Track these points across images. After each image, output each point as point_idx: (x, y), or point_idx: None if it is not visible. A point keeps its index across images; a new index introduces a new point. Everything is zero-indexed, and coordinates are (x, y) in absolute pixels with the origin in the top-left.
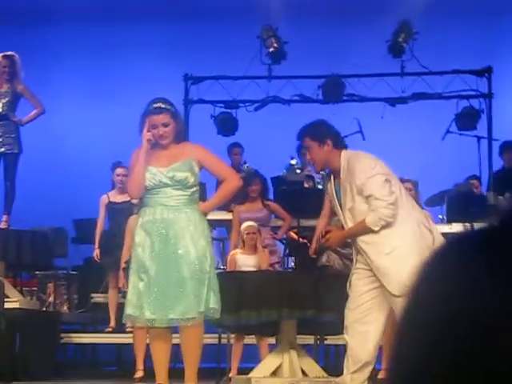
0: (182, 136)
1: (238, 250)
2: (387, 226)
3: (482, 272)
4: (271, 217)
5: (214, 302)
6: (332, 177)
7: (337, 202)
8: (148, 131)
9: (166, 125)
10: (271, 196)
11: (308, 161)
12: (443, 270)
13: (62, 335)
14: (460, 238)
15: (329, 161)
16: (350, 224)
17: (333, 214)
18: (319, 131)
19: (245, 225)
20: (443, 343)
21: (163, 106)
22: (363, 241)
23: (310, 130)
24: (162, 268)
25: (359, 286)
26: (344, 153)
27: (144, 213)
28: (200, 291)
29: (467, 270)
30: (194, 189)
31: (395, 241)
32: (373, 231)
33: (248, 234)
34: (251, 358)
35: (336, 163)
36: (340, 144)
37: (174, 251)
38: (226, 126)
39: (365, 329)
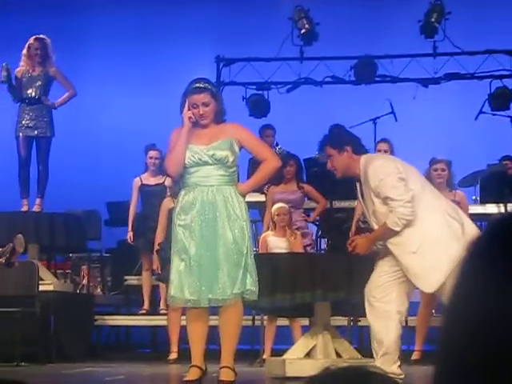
0: (222, 116)
1: (269, 232)
2: (409, 224)
3: None
4: (304, 199)
5: (251, 284)
6: (358, 183)
7: (364, 207)
8: (188, 110)
9: (206, 104)
10: (305, 178)
11: (330, 169)
12: (480, 263)
13: (96, 317)
14: (493, 229)
15: (349, 167)
16: (375, 227)
17: None
18: (339, 139)
19: (275, 206)
20: (480, 336)
21: (203, 85)
22: (390, 242)
23: (330, 139)
24: (201, 249)
25: (382, 266)
26: (363, 158)
27: (184, 194)
28: (236, 273)
29: (502, 264)
30: (234, 169)
31: (420, 237)
32: (396, 232)
33: (278, 215)
34: (284, 340)
35: (356, 169)
36: (360, 149)
37: (212, 232)
38: (258, 107)
39: (386, 309)
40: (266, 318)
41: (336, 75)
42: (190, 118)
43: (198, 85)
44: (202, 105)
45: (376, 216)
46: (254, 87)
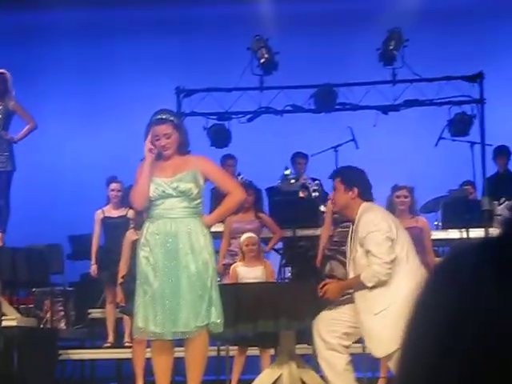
0: (185, 147)
1: (238, 263)
2: (382, 285)
3: (485, 285)
4: (262, 229)
5: (216, 317)
6: (352, 225)
7: (348, 250)
8: (150, 142)
9: (168, 136)
10: (266, 207)
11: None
12: (447, 282)
13: (60, 352)
14: (463, 250)
15: (348, 207)
16: (351, 273)
17: (335, 223)
18: (350, 176)
19: (244, 236)
20: (448, 351)
21: (165, 116)
22: (358, 294)
23: (342, 173)
24: (164, 281)
25: (338, 313)
26: (364, 205)
27: (148, 225)
28: (199, 306)
29: (471, 284)
30: (198, 201)
31: (387, 301)
32: (367, 287)
33: (247, 245)
34: (254, 370)
35: (354, 212)
36: (366, 196)
37: (175, 264)
38: (219, 137)
39: (331, 341)
40: (232, 348)
41: (296, 104)
42: (150, 149)
43: (160, 116)
44: (164, 136)
45: (355, 264)
46: (215, 117)
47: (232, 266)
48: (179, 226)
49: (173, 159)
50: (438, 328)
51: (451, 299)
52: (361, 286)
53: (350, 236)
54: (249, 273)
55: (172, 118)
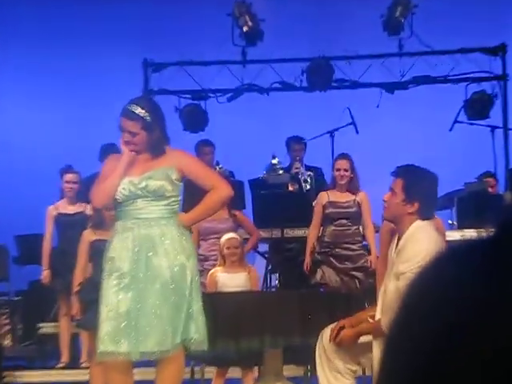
0: (158, 149)
1: (218, 268)
2: None
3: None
4: (237, 229)
5: (195, 331)
6: (397, 238)
7: (389, 264)
8: None
9: (133, 134)
10: (249, 202)
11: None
12: (441, 277)
13: (5, 373)
14: (460, 247)
15: (400, 221)
16: (379, 304)
17: (326, 223)
18: (415, 187)
19: (225, 238)
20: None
21: (137, 111)
22: (377, 343)
23: (408, 178)
24: (133, 293)
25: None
26: (419, 223)
27: (115, 229)
28: (176, 319)
29: (466, 281)
30: (172, 199)
31: None
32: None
33: (228, 248)
34: None
35: (404, 228)
36: (426, 215)
37: (146, 272)
38: (194, 120)
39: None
40: (208, 370)
41: (285, 81)
42: (126, 142)
43: (130, 108)
44: (129, 133)
45: (385, 296)
46: (189, 96)
47: (210, 272)
48: (151, 227)
49: (144, 155)
50: (425, 335)
51: (445, 294)
52: (380, 335)
53: (394, 249)
54: (230, 280)
55: (144, 115)
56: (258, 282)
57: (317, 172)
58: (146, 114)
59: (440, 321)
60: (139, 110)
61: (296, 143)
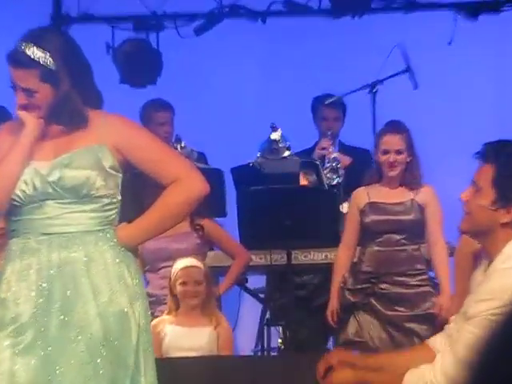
0: (78, 114)
1: (165, 318)
2: None
3: None
4: (206, 249)
5: None
6: (485, 263)
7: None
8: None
9: (30, 90)
10: (232, 205)
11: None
12: None
13: None
14: None
15: (488, 233)
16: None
17: (365, 239)
18: None
19: (177, 266)
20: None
21: (31, 53)
22: None
23: (506, 163)
24: (39, 360)
25: None
26: None
27: (10, 251)
28: None
29: None
30: (105, 201)
31: None
32: None
33: (184, 284)
34: None
35: (495, 247)
36: None
37: (60, 325)
38: (139, 66)
39: None
40: None
41: (295, 0)
42: (23, 106)
43: (21, 49)
44: (22, 90)
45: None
46: (130, 26)
47: (152, 323)
48: (69, 248)
49: (54, 126)
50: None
51: None
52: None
53: (482, 274)
54: (185, 338)
55: (44, 59)
56: (230, 341)
57: (358, 157)
58: (48, 56)
59: None
60: (35, 52)
61: (329, 107)
